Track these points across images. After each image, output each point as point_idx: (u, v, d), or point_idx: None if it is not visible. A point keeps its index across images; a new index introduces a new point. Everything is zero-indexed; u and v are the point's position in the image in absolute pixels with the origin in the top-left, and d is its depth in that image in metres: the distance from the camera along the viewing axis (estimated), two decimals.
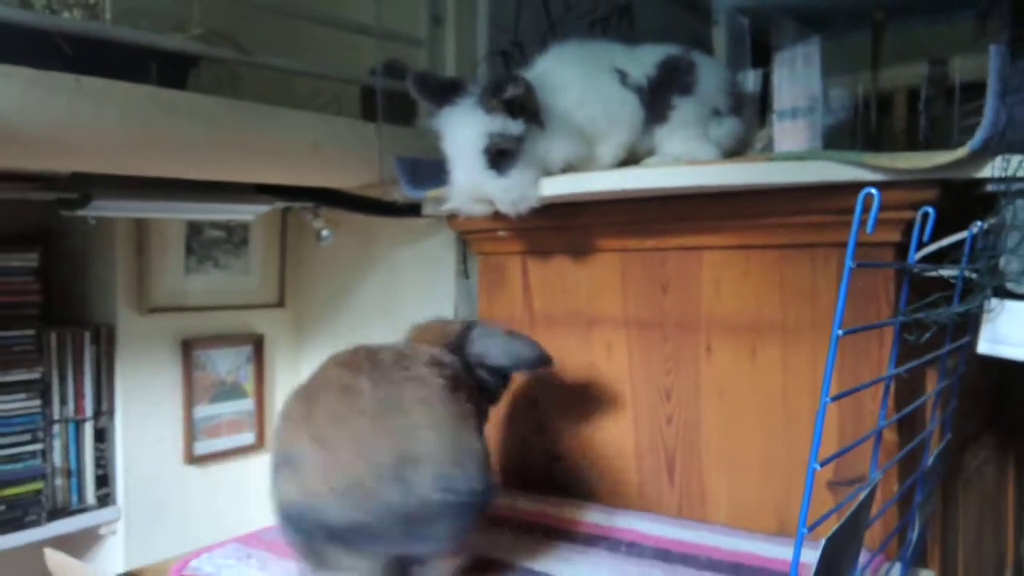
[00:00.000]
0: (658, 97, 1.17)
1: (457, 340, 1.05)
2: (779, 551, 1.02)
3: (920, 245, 0.66)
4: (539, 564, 0.99)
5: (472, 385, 1.03)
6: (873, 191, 0.49)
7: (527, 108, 1.08)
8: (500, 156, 1.08)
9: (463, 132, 1.09)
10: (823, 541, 0.49)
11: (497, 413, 1.26)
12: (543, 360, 1.07)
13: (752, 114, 1.38)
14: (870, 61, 2.51)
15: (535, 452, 1.33)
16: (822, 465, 0.48)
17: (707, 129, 1.18)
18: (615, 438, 1.25)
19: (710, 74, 1.19)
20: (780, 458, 1.10)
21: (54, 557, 0.93)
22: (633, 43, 1.26)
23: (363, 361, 0.91)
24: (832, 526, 0.54)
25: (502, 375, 1.08)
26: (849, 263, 0.48)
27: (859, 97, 2.51)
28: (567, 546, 1.06)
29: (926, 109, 2.38)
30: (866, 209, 0.48)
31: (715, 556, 1.01)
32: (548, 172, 1.13)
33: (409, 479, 0.81)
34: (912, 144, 2.39)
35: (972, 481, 1.30)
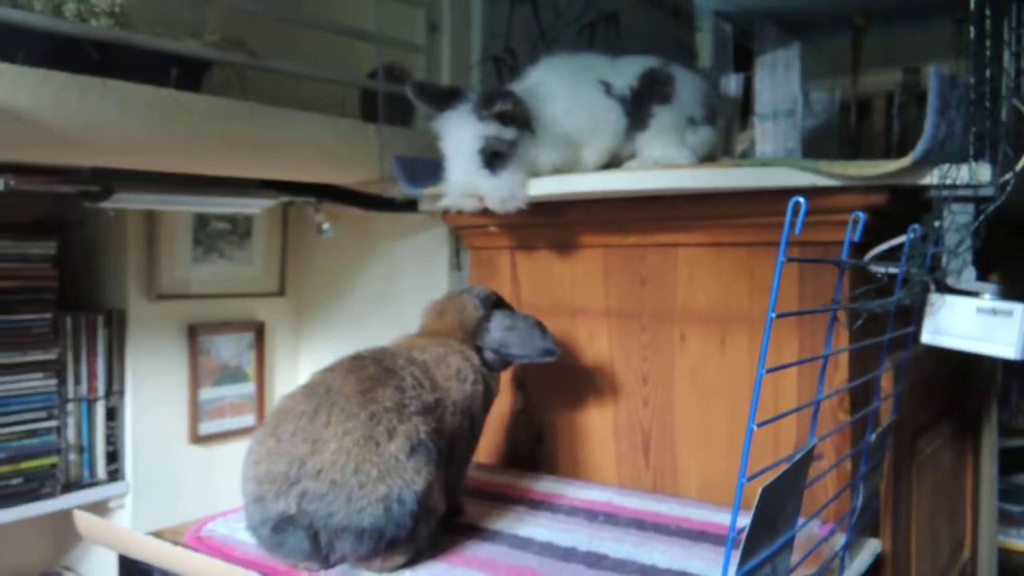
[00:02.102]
0: (639, 106, 1.27)
1: (475, 329, 1.14)
2: (742, 521, 1.11)
3: (852, 244, 0.76)
4: (523, 531, 1.09)
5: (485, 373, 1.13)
6: (801, 200, 0.59)
7: (517, 119, 1.17)
8: (494, 157, 1.17)
9: (460, 134, 1.18)
10: (760, 489, 0.59)
11: None
12: (554, 352, 1.16)
13: (726, 122, 1.48)
14: (850, 66, 2.61)
15: (521, 432, 1.43)
16: (759, 426, 0.58)
17: (684, 136, 1.28)
18: (595, 419, 1.35)
19: (687, 85, 1.29)
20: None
21: (83, 518, 1.01)
22: (619, 50, 1.35)
23: (336, 377, 0.98)
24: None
25: (508, 359, 1.17)
26: (781, 258, 0.57)
27: (837, 101, 2.61)
28: (549, 515, 1.16)
29: (899, 115, 2.48)
30: (795, 214, 0.58)
31: (684, 525, 1.11)
32: (537, 174, 1.22)
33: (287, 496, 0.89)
34: (888, 147, 2.50)
35: (927, 465, 1.40)
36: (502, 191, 1.18)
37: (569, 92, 1.23)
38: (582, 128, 1.23)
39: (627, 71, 1.28)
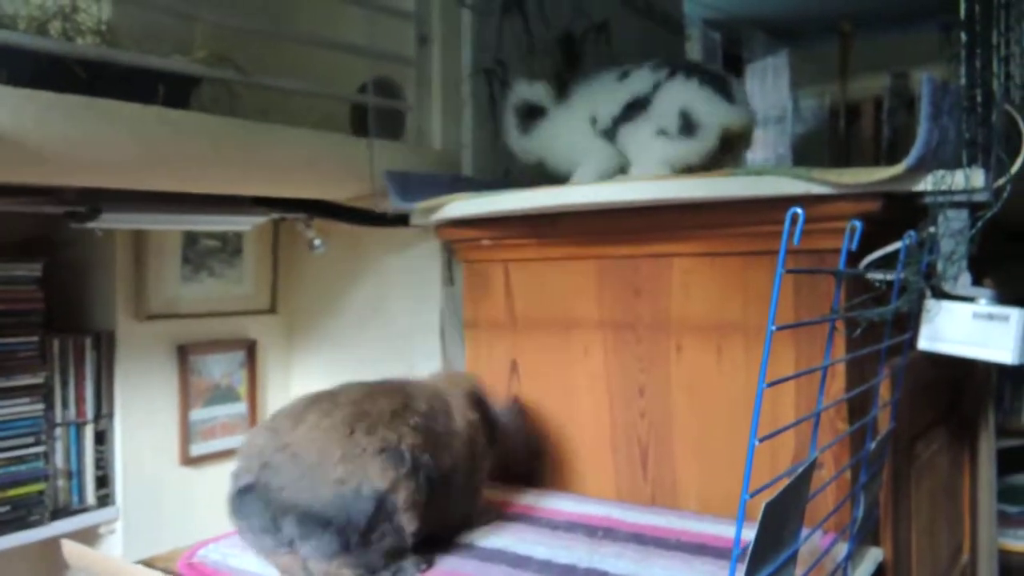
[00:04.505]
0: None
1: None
2: (745, 535, 1.10)
3: (849, 253, 0.76)
4: (522, 549, 1.08)
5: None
6: (799, 211, 0.58)
7: None
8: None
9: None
10: (763, 505, 0.58)
11: None
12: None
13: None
14: (838, 72, 2.62)
15: (517, 447, 1.42)
16: (761, 441, 0.57)
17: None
18: (592, 432, 1.33)
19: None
20: (744, 449, 1.19)
21: (71, 548, 0.99)
22: (610, 59, 1.36)
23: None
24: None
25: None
26: (780, 270, 0.56)
27: (826, 107, 2.62)
28: (547, 531, 1.14)
29: (889, 119, 2.49)
30: (793, 225, 0.57)
31: (684, 539, 1.10)
32: None
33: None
34: (877, 152, 2.50)
35: (925, 470, 1.40)
36: None
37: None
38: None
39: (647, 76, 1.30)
